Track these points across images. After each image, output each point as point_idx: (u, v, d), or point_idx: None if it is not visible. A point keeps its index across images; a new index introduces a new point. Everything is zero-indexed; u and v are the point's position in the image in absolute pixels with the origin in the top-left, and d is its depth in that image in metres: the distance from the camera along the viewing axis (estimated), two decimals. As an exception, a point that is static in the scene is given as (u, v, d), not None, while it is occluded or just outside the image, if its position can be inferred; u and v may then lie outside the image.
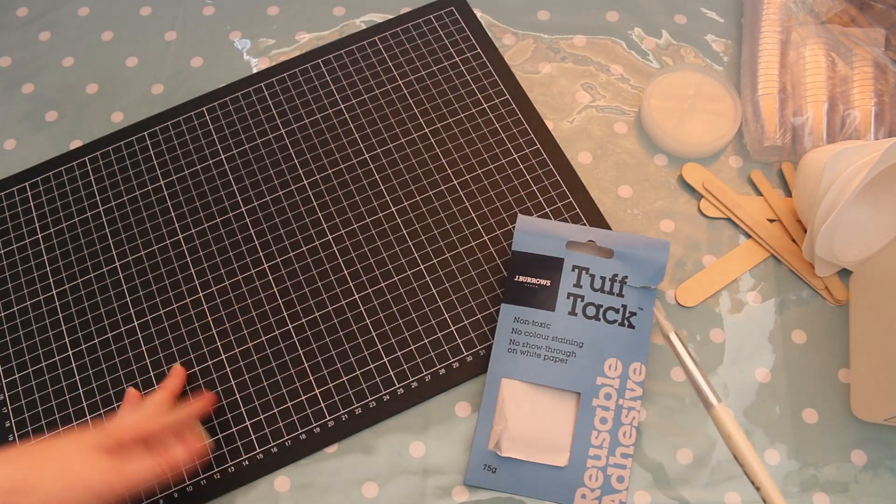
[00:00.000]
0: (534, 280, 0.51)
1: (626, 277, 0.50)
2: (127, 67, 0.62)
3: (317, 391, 0.50)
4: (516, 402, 0.49)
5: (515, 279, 0.51)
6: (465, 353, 0.51)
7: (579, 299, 0.50)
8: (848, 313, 0.51)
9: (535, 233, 0.52)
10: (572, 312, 0.50)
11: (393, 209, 0.55)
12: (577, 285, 0.50)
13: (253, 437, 0.49)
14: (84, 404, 0.51)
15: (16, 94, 0.61)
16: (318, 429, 0.49)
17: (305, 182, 0.56)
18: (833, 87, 0.55)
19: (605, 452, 0.47)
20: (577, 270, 0.51)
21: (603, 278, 0.50)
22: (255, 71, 0.61)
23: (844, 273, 0.52)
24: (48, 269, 0.55)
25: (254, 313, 0.52)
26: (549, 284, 0.50)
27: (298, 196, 0.56)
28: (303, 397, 0.50)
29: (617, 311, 0.50)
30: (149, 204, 0.56)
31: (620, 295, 0.50)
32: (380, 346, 0.51)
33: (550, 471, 0.47)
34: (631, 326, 0.49)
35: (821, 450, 0.48)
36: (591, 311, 0.50)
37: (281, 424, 0.49)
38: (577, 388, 0.48)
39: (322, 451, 0.49)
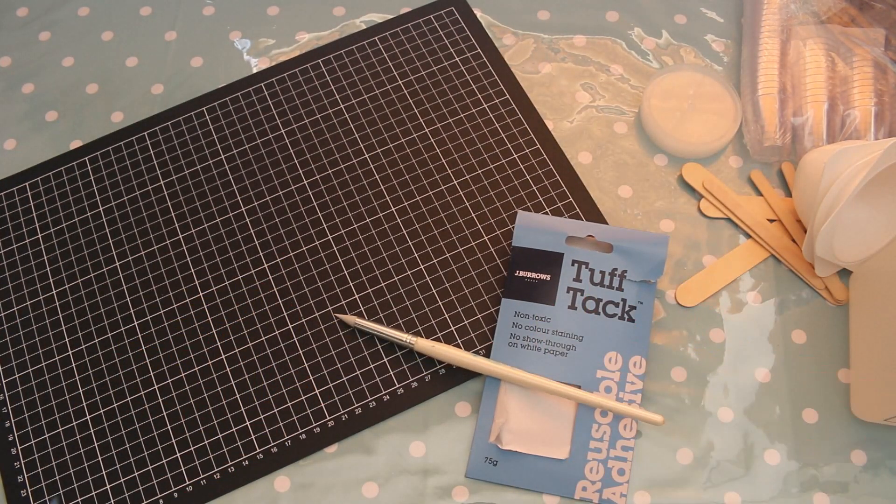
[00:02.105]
0: (534, 275, 0.51)
1: (625, 272, 0.50)
2: (127, 67, 0.62)
3: (317, 391, 0.50)
4: (517, 395, 0.49)
5: (516, 274, 0.51)
6: (465, 353, 0.51)
7: (579, 293, 0.50)
8: (848, 313, 0.51)
9: (534, 228, 0.52)
10: (572, 306, 0.50)
11: (393, 209, 0.55)
12: (577, 279, 0.50)
13: (253, 437, 0.49)
14: (84, 404, 0.51)
15: (16, 94, 0.61)
16: (318, 429, 0.49)
17: (305, 182, 0.56)
18: (833, 87, 0.55)
19: (606, 445, 0.47)
20: (576, 265, 0.51)
21: (602, 272, 0.50)
22: (255, 71, 0.61)
23: (844, 273, 0.52)
24: (48, 269, 0.55)
25: (254, 313, 0.52)
26: (548, 279, 0.50)
27: (298, 196, 0.56)
28: (303, 397, 0.50)
29: (616, 304, 0.50)
30: (149, 204, 0.56)
31: (620, 289, 0.50)
32: (380, 347, 0.51)
33: (551, 463, 0.47)
34: (631, 320, 0.50)
35: (821, 450, 0.48)
36: (590, 304, 0.50)
37: (281, 424, 0.49)
38: (578, 381, 0.49)
39: (322, 451, 0.49)
